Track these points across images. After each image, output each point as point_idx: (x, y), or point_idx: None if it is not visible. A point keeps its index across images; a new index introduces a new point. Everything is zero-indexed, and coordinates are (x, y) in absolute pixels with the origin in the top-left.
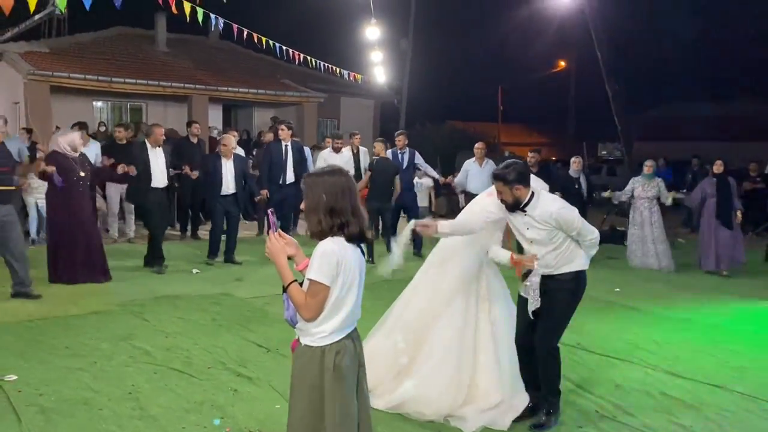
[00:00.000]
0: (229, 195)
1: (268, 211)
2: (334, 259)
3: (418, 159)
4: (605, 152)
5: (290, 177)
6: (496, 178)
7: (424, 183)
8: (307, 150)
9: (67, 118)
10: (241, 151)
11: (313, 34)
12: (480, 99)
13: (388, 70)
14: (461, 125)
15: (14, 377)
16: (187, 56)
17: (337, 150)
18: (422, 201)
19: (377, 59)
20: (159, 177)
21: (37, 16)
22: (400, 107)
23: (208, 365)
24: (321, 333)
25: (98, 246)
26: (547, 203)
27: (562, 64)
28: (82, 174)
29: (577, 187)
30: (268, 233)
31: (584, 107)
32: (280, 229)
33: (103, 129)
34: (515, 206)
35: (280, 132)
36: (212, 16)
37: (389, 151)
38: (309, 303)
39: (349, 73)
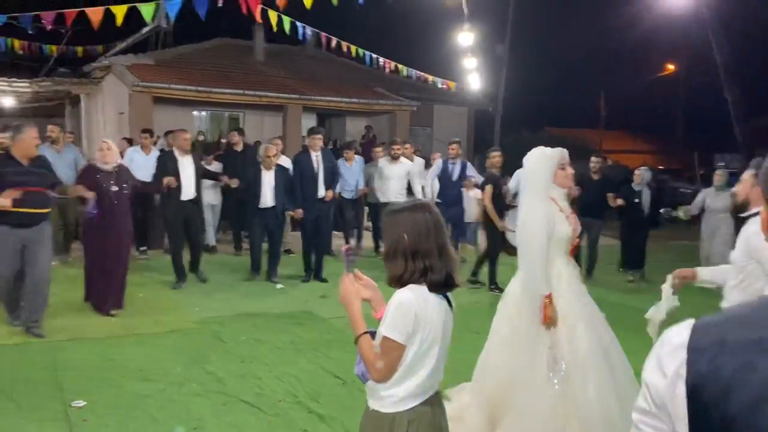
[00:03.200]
0: (268, 209)
1: (342, 249)
2: (411, 313)
3: (471, 171)
4: (722, 163)
5: (322, 191)
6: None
7: (472, 195)
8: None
9: (167, 128)
10: (286, 162)
11: (406, 42)
12: (580, 104)
13: (483, 77)
14: (560, 132)
15: (83, 403)
16: (284, 66)
17: (395, 158)
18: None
19: (471, 66)
20: (187, 188)
21: (144, 30)
22: (495, 114)
23: (279, 398)
24: (392, 397)
25: (122, 272)
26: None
27: (671, 67)
28: (115, 189)
29: (636, 201)
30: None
31: (695, 114)
32: (356, 269)
33: (201, 138)
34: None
35: (312, 141)
36: (299, 25)
37: (439, 161)
38: (379, 361)
39: (442, 81)
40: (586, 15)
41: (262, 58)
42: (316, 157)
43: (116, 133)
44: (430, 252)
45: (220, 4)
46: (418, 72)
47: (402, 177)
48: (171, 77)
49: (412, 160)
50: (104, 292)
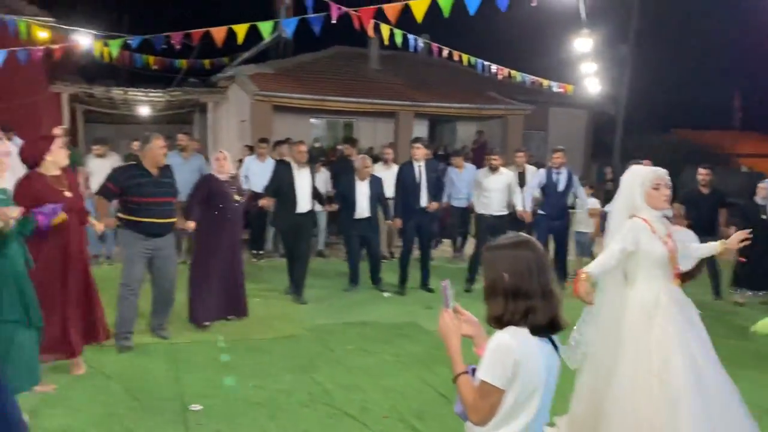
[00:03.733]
0: (363, 219)
1: (443, 283)
2: (511, 358)
3: (576, 182)
4: None
5: (424, 201)
6: None
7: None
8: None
9: (285, 135)
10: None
11: (519, 48)
12: (712, 103)
13: (603, 78)
14: (688, 134)
15: (199, 407)
16: (397, 72)
17: (494, 169)
18: (587, 226)
19: (590, 68)
20: (301, 201)
21: (264, 41)
22: (616, 116)
23: (384, 413)
24: None
25: (241, 281)
26: None
27: None
28: (237, 198)
29: (764, 217)
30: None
31: None
32: (457, 304)
33: (318, 145)
34: None
35: (414, 151)
36: (411, 37)
37: (541, 171)
38: (478, 404)
39: (558, 85)
40: (719, 6)
41: (376, 65)
42: (419, 167)
43: (238, 140)
44: (532, 293)
45: (333, 21)
46: (533, 77)
47: (503, 189)
48: (290, 86)
49: (523, 169)
50: (215, 303)
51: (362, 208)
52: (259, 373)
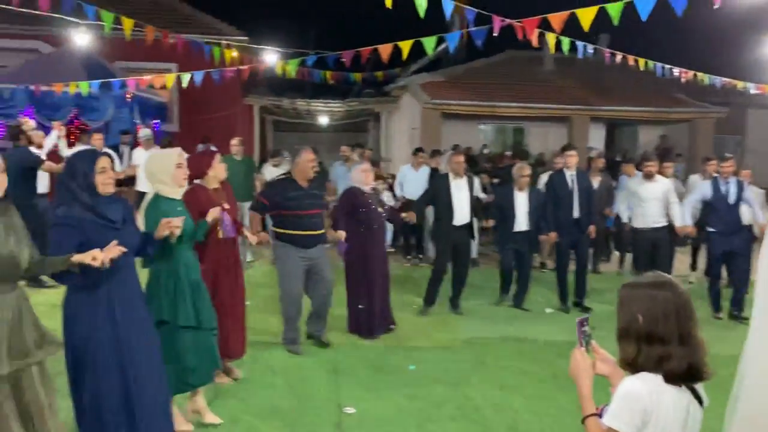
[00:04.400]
0: (521, 233)
1: (577, 320)
2: (639, 406)
3: (750, 193)
4: None
5: (576, 213)
6: None
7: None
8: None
9: (454, 142)
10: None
11: (706, 49)
12: None
13: None
14: None
15: (353, 410)
16: (572, 75)
17: (648, 176)
18: None
19: None
20: (459, 213)
21: (437, 51)
22: None
23: None
24: None
25: (386, 294)
26: None
27: None
28: (375, 210)
29: None
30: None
31: None
32: (593, 341)
33: (486, 151)
34: None
35: (567, 159)
36: (579, 44)
37: (705, 182)
38: None
39: (756, 86)
40: None
41: (551, 68)
42: (571, 177)
43: (409, 147)
44: (668, 338)
45: (495, 34)
46: (723, 79)
47: (660, 198)
48: (459, 93)
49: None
50: (371, 317)
51: (520, 220)
52: (412, 382)
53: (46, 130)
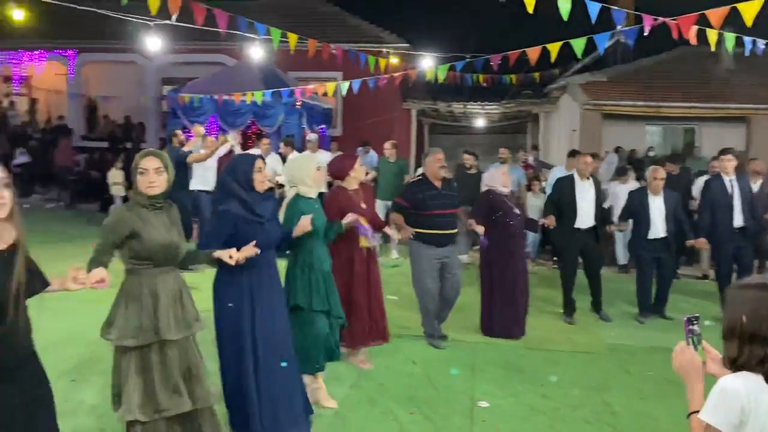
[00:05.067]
0: (658, 240)
1: (685, 318)
2: (737, 404)
3: None
4: None
5: (738, 221)
6: None
7: None
8: None
9: (616, 143)
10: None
11: None
12: None
13: None
14: None
15: (486, 404)
16: (753, 72)
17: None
18: None
19: None
20: (583, 216)
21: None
22: None
23: None
24: None
25: (525, 299)
26: None
27: None
28: (518, 212)
29: None
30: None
31: None
32: (705, 341)
33: (652, 154)
34: None
35: (724, 163)
36: (746, 39)
37: None
38: None
39: None
40: None
41: (730, 66)
42: (730, 182)
43: (568, 150)
44: None
45: (645, 34)
46: None
47: None
48: (623, 93)
49: None
50: (510, 320)
51: (656, 226)
52: (549, 382)
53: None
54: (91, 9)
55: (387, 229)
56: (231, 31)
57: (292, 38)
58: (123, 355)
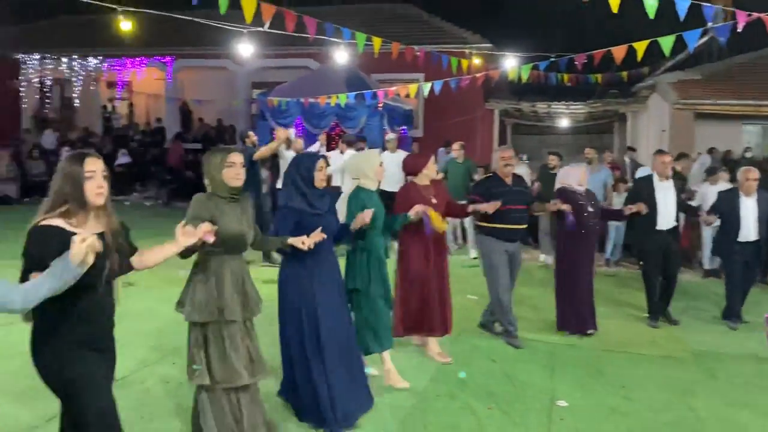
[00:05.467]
0: (749, 243)
1: (765, 316)
2: None
3: None
4: None
5: None
6: None
7: None
8: None
9: (709, 144)
10: None
11: None
12: None
13: None
14: None
15: (565, 404)
16: None
17: None
18: None
19: None
20: (664, 216)
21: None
22: None
23: None
24: None
25: (591, 295)
26: None
27: None
28: (591, 210)
29: None
30: None
31: None
32: None
33: (749, 155)
34: None
35: None
36: None
37: None
38: None
39: None
40: None
41: None
42: None
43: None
44: None
45: (739, 30)
46: None
47: None
48: (717, 91)
49: None
50: (582, 316)
51: (748, 228)
52: (632, 385)
53: (311, 138)
54: (189, 18)
55: (475, 206)
56: (318, 36)
57: (377, 42)
58: (193, 329)
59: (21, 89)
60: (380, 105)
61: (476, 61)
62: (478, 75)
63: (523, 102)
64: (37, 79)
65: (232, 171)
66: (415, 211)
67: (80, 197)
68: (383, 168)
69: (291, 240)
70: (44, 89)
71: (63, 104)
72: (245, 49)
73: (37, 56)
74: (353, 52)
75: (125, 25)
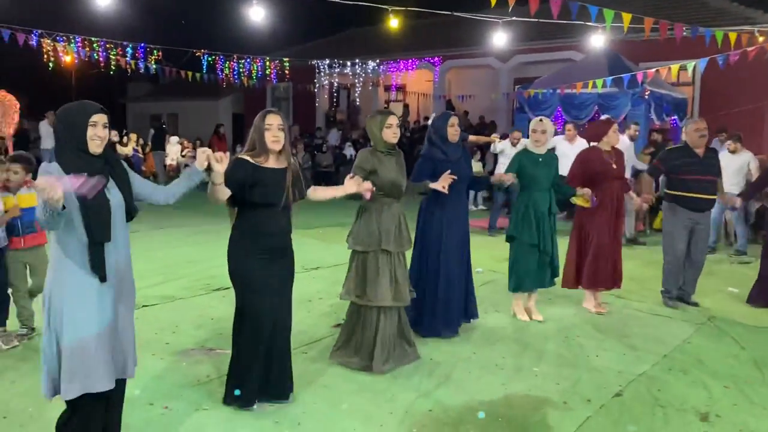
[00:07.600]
0: None
1: None
2: None
3: None
4: None
5: None
6: None
7: None
8: None
9: None
10: None
11: None
12: None
13: None
14: None
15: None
16: None
17: None
18: None
19: None
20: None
21: None
22: None
23: None
24: None
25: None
26: None
27: None
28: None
29: None
30: None
31: None
32: None
33: None
34: None
35: None
36: None
37: None
38: None
39: None
40: None
41: None
42: None
43: None
44: None
45: None
46: None
47: None
48: None
49: None
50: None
51: None
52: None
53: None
54: (457, 14)
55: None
56: (579, 22)
57: (647, 23)
58: (353, 256)
59: (315, 92)
60: (646, 93)
61: (761, 39)
62: (750, 49)
63: None
64: (327, 83)
65: (390, 131)
66: (582, 191)
67: (262, 142)
68: (547, 136)
69: (432, 185)
70: (333, 92)
71: (349, 106)
72: (507, 42)
73: (327, 61)
74: (615, 38)
75: (394, 23)
